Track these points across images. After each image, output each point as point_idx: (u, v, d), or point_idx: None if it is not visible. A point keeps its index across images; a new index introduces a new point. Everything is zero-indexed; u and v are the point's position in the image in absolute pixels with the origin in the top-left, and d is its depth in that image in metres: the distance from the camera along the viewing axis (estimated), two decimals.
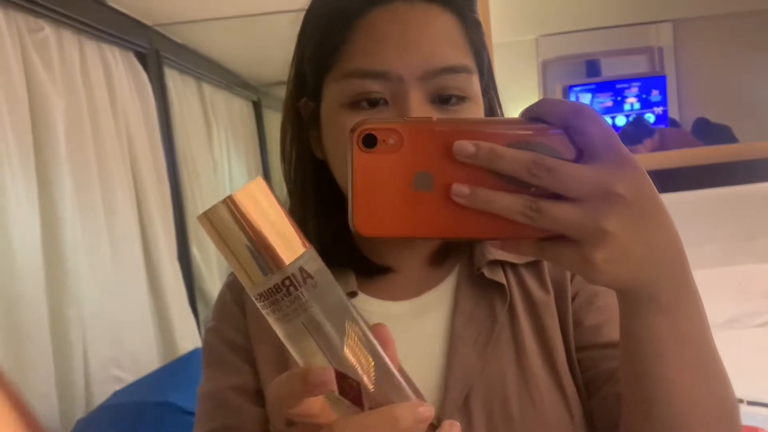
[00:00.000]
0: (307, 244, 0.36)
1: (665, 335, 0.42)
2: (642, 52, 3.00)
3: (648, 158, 2.65)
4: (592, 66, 3.07)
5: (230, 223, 0.34)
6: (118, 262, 1.89)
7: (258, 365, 0.62)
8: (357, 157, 0.39)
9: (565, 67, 3.03)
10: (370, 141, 0.39)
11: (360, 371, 0.35)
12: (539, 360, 0.60)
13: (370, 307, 0.63)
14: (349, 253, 0.63)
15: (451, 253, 0.65)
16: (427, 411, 0.35)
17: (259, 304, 0.35)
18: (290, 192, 0.65)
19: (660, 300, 0.41)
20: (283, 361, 0.61)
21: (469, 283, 0.62)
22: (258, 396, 0.61)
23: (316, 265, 0.36)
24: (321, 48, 0.57)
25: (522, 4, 2.68)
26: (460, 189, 0.38)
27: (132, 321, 1.92)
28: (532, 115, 0.39)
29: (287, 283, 0.34)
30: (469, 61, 0.56)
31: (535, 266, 0.64)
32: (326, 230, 0.62)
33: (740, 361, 1.68)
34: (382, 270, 0.64)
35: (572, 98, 2.95)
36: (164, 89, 2.38)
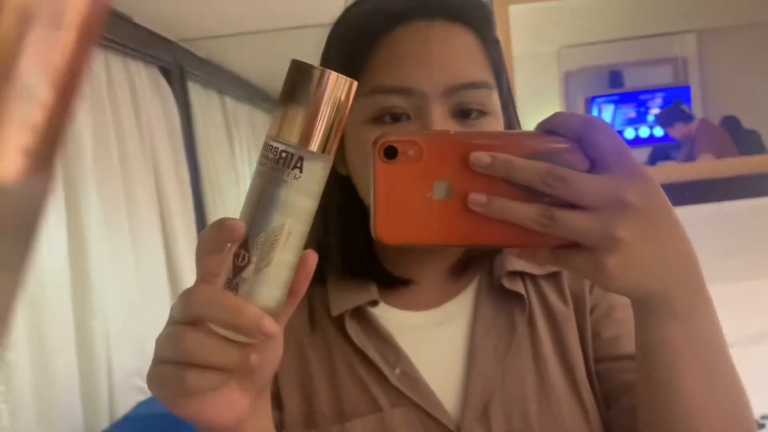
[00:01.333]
0: (331, 154, 0.39)
1: (678, 342, 0.43)
2: (666, 62, 2.98)
3: (674, 169, 2.62)
4: (615, 77, 3.06)
5: (310, 85, 0.38)
6: (142, 275, 1.92)
7: (278, 372, 0.63)
8: (378, 168, 0.41)
9: (587, 78, 3.02)
10: (390, 152, 0.41)
11: (259, 259, 0.38)
12: (558, 370, 0.60)
13: (392, 316, 0.63)
14: (372, 265, 0.64)
15: (471, 264, 0.66)
16: (272, 326, 0.37)
17: (263, 150, 0.39)
18: None
19: (673, 307, 0.41)
20: (305, 366, 0.62)
21: (488, 293, 0.63)
22: (275, 399, 0.62)
23: (319, 169, 0.39)
24: (345, 66, 0.58)
25: (543, 15, 2.68)
26: (477, 198, 0.39)
27: (155, 332, 1.93)
28: (545, 128, 0.41)
29: (284, 155, 0.38)
30: (488, 77, 0.57)
31: (554, 278, 0.64)
32: (349, 244, 0.64)
33: None
34: (403, 282, 0.65)
35: (595, 109, 2.94)
36: (188, 103, 2.42)
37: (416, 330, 0.63)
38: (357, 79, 0.57)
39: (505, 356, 0.60)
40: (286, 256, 0.39)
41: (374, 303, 0.63)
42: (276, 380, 0.63)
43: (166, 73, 2.24)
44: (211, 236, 0.39)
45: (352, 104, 0.59)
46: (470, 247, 0.62)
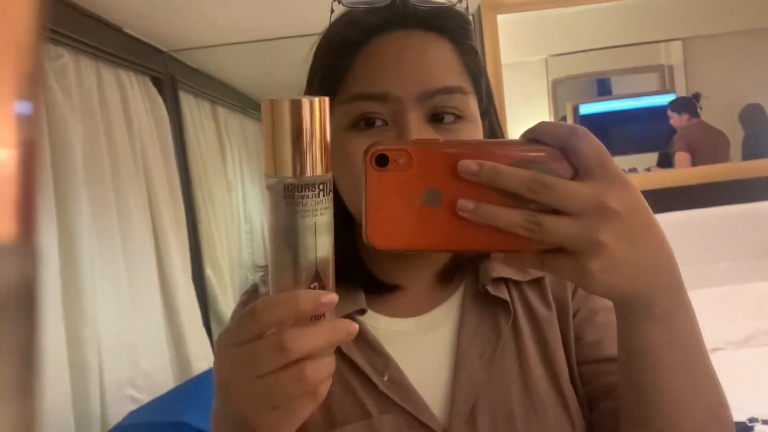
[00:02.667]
0: (330, 170, 0.42)
1: (659, 343, 0.44)
2: (652, 70, 3.01)
3: (663, 175, 2.65)
4: (602, 85, 3.09)
5: (305, 118, 0.40)
6: (134, 283, 1.92)
7: None
8: (370, 176, 0.42)
9: (575, 86, 3.04)
10: (382, 161, 0.42)
11: (327, 281, 0.42)
12: (542, 373, 0.61)
13: (379, 323, 0.64)
14: (359, 272, 0.65)
15: (457, 272, 0.67)
16: (355, 327, 0.41)
17: (282, 192, 0.41)
18: None
19: (654, 309, 0.43)
20: None
21: (474, 300, 0.64)
22: None
23: (330, 185, 0.42)
24: (327, 76, 0.60)
25: (531, 24, 2.70)
26: (465, 204, 0.41)
27: (147, 341, 1.93)
28: (530, 137, 0.42)
29: (321, 186, 0.40)
30: (464, 83, 0.59)
31: (537, 284, 0.65)
32: (336, 250, 0.64)
33: (757, 379, 1.66)
34: (390, 288, 0.65)
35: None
36: (179, 113, 2.42)
37: (403, 337, 0.64)
38: (338, 90, 0.59)
39: (490, 361, 0.61)
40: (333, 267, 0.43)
41: (362, 311, 0.64)
42: None
43: (157, 82, 2.25)
44: (299, 317, 0.41)
45: (334, 114, 0.61)
46: (459, 252, 0.63)
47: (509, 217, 0.40)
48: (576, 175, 0.41)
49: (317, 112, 0.40)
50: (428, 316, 0.65)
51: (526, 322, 0.64)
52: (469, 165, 0.41)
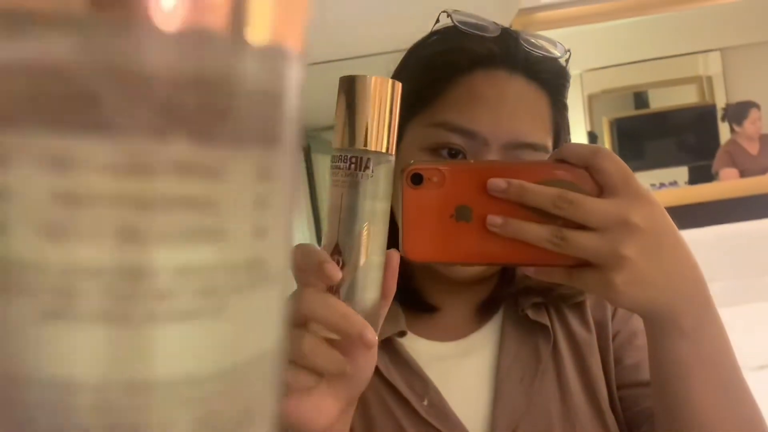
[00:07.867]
0: (392, 152, 0.41)
1: (688, 359, 0.44)
2: (690, 81, 2.97)
3: (708, 189, 2.60)
4: (639, 98, 3.05)
5: (357, 93, 0.40)
6: None
7: None
8: (406, 193, 0.45)
9: (611, 100, 3.02)
10: (417, 179, 0.45)
11: (351, 262, 0.40)
12: (583, 398, 0.61)
13: (419, 346, 0.65)
14: (403, 286, 0.65)
15: (497, 298, 0.67)
16: (372, 337, 0.39)
17: (331, 163, 0.41)
18: None
19: (681, 324, 0.43)
20: None
21: (514, 324, 0.64)
22: None
23: (384, 169, 0.41)
24: (418, 91, 0.60)
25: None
26: (495, 219, 0.43)
27: None
28: (557, 157, 0.44)
29: (354, 160, 0.40)
30: (548, 141, 0.60)
31: (578, 307, 0.65)
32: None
33: None
34: (431, 308, 0.66)
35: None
36: None
37: (443, 361, 0.64)
38: (425, 109, 0.59)
39: (530, 386, 0.61)
40: (372, 258, 0.41)
41: (402, 333, 0.64)
42: None
43: None
44: (310, 270, 0.40)
45: (413, 130, 0.61)
46: (489, 265, 0.64)
47: (536, 231, 0.42)
48: (600, 192, 0.42)
49: (386, 90, 0.40)
50: (468, 340, 0.65)
51: (567, 346, 0.64)
52: (497, 183, 0.42)
